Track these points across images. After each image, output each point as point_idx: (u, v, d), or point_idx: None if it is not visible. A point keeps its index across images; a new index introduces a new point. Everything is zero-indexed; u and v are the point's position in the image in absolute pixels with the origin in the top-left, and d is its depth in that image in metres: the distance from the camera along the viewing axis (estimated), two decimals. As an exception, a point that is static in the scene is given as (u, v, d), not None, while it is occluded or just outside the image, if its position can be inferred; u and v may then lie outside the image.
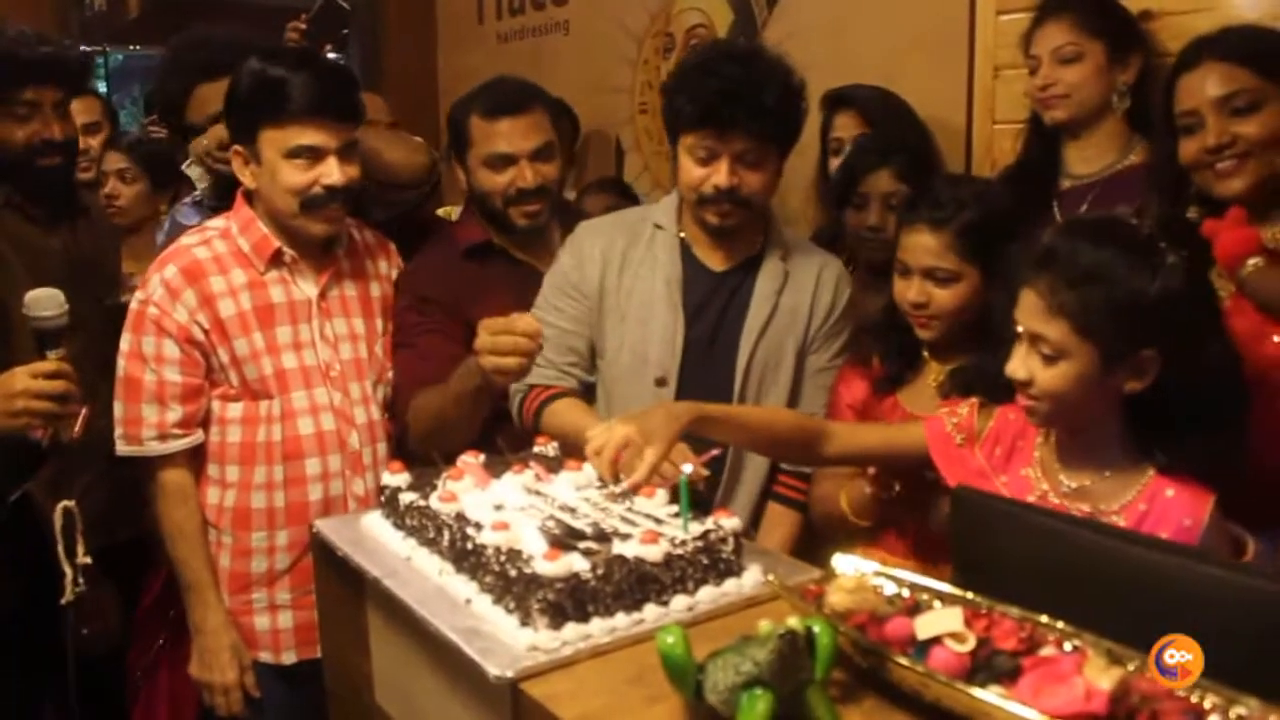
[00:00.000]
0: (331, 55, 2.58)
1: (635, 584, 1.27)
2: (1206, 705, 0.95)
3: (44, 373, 1.81)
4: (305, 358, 2.05)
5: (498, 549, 1.29)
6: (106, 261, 2.47)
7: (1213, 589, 1.11)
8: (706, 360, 1.98)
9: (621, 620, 1.25)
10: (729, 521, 1.37)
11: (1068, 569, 1.22)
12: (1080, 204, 2.07)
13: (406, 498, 1.51)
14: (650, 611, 1.27)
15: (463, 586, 1.33)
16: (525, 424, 1.98)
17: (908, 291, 1.80)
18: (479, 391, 1.87)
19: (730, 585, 1.34)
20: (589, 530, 1.35)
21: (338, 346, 2.09)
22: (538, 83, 2.31)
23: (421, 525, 1.47)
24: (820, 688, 1.04)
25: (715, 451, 1.67)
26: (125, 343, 2.01)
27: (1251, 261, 1.64)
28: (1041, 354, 1.41)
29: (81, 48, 3.11)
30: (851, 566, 1.26)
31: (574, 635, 1.21)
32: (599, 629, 1.23)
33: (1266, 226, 1.70)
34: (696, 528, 1.35)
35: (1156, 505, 1.42)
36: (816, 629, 1.05)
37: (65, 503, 2.00)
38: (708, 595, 1.32)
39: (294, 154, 1.94)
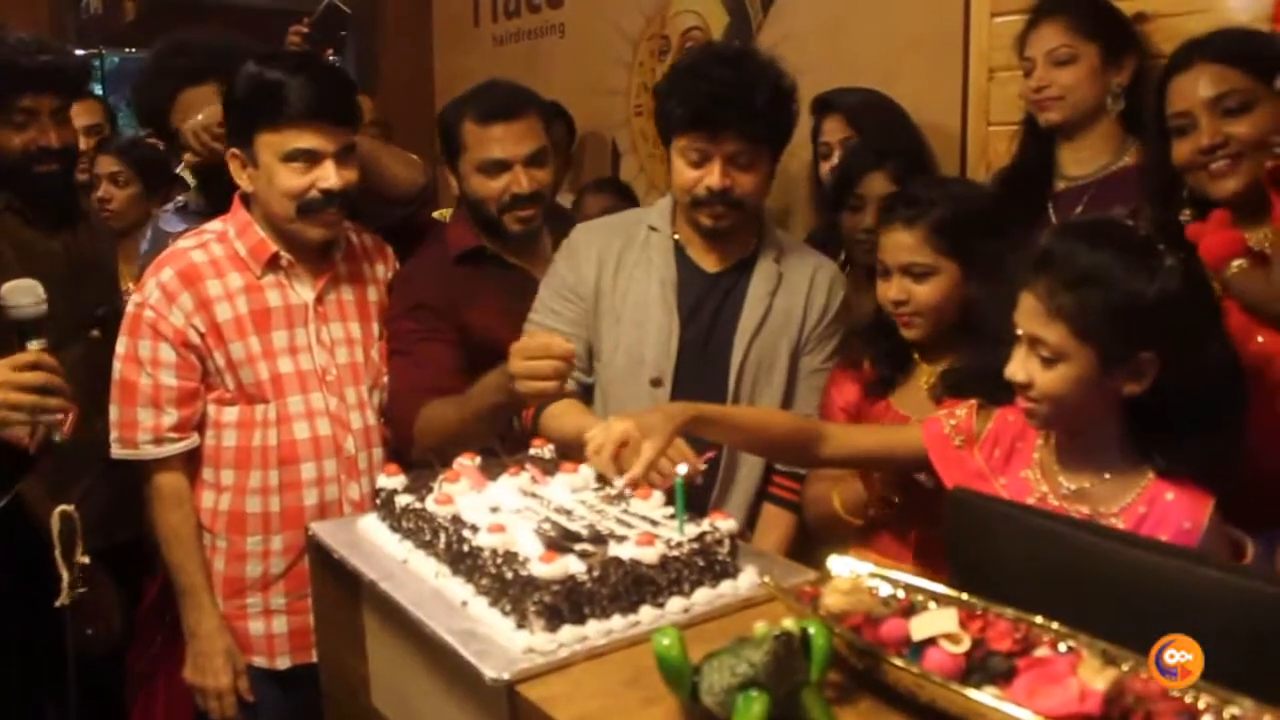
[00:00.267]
0: (331, 58, 2.57)
1: (631, 586, 1.27)
2: (1201, 705, 0.96)
3: (23, 364, 1.78)
4: (301, 362, 2.04)
5: (494, 551, 1.29)
6: (106, 264, 2.46)
7: (1210, 591, 1.11)
8: (701, 361, 1.98)
9: (617, 622, 1.25)
10: (725, 523, 1.37)
11: (1064, 571, 1.23)
12: (1075, 206, 2.07)
13: (403, 500, 1.51)
14: (646, 613, 1.27)
15: (459, 589, 1.33)
16: (525, 426, 1.98)
17: (888, 291, 1.82)
18: (502, 408, 1.88)
19: (726, 587, 1.34)
20: (585, 532, 1.35)
21: (334, 351, 2.08)
22: (533, 85, 2.31)
23: (418, 528, 1.47)
24: (816, 689, 1.04)
25: (711, 453, 1.67)
26: (121, 346, 2.01)
27: (1236, 263, 1.65)
28: (1040, 357, 1.41)
29: (78, 51, 3.11)
30: (847, 568, 1.26)
31: (570, 637, 1.21)
32: (595, 631, 1.23)
33: (1255, 229, 1.70)
34: (692, 529, 1.35)
35: (1156, 508, 1.42)
36: (812, 630, 1.05)
37: (64, 507, 1.99)
38: (703, 597, 1.32)
39: (291, 157, 1.94)
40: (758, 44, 3.06)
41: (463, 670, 1.20)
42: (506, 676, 1.15)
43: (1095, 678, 0.99)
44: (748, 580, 1.35)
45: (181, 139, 2.32)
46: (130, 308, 2.02)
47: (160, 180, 3.01)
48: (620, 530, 1.36)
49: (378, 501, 1.60)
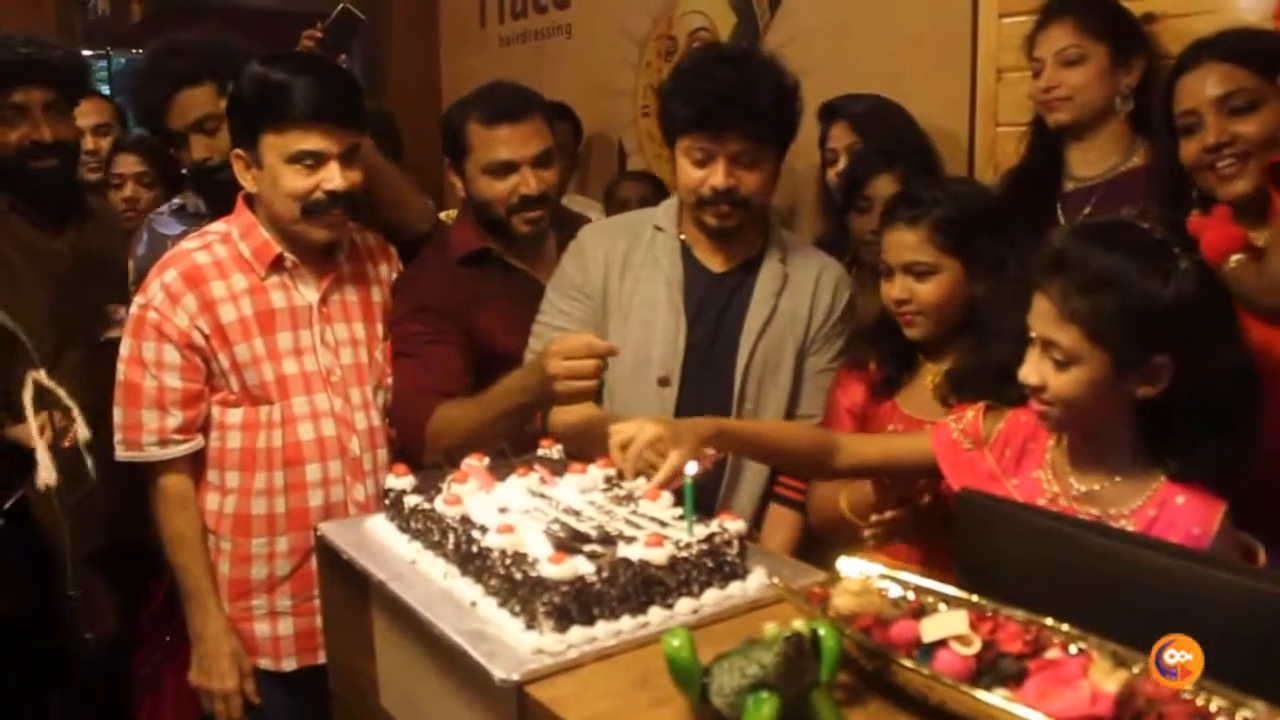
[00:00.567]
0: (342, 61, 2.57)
1: (640, 587, 1.27)
2: (1213, 708, 0.95)
3: None
4: (306, 363, 2.04)
5: (503, 552, 1.29)
6: (116, 264, 2.45)
7: (1220, 592, 1.11)
8: (708, 361, 1.98)
9: (626, 623, 1.25)
10: (733, 524, 1.37)
11: (1074, 572, 1.22)
12: (1084, 207, 2.07)
13: (411, 501, 1.51)
14: (655, 614, 1.27)
15: (468, 589, 1.33)
16: (535, 425, 1.98)
17: (891, 290, 1.82)
18: (525, 409, 1.88)
19: (735, 588, 1.34)
20: (594, 533, 1.35)
21: (338, 352, 2.08)
22: (540, 86, 2.30)
23: (426, 528, 1.47)
24: (825, 690, 1.04)
25: (718, 454, 1.67)
26: (125, 347, 2.00)
27: (1234, 258, 1.65)
28: (1054, 359, 1.40)
29: (84, 51, 3.10)
30: (856, 569, 1.26)
31: (579, 638, 1.21)
32: (604, 632, 1.23)
33: (1260, 229, 1.70)
34: (701, 530, 1.35)
35: (1166, 512, 1.41)
36: (822, 632, 1.05)
37: (35, 374, 1.97)
38: (712, 598, 1.32)
39: (295, 159, 1.93)
40: (765, 45, 3.06)
41: (472, 671, 1.20)
42: (515, 677, 1.15)
43: (1106, 680, 0.98)
44: (757, 581, 1.35)
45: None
46: (134, 309, 2.01)
47: (177, 177, 2.99)
48: (629, 531, 1.36)
49: (386, 502, 1.59)
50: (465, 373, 2.07)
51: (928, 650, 1.09)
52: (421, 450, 2.00)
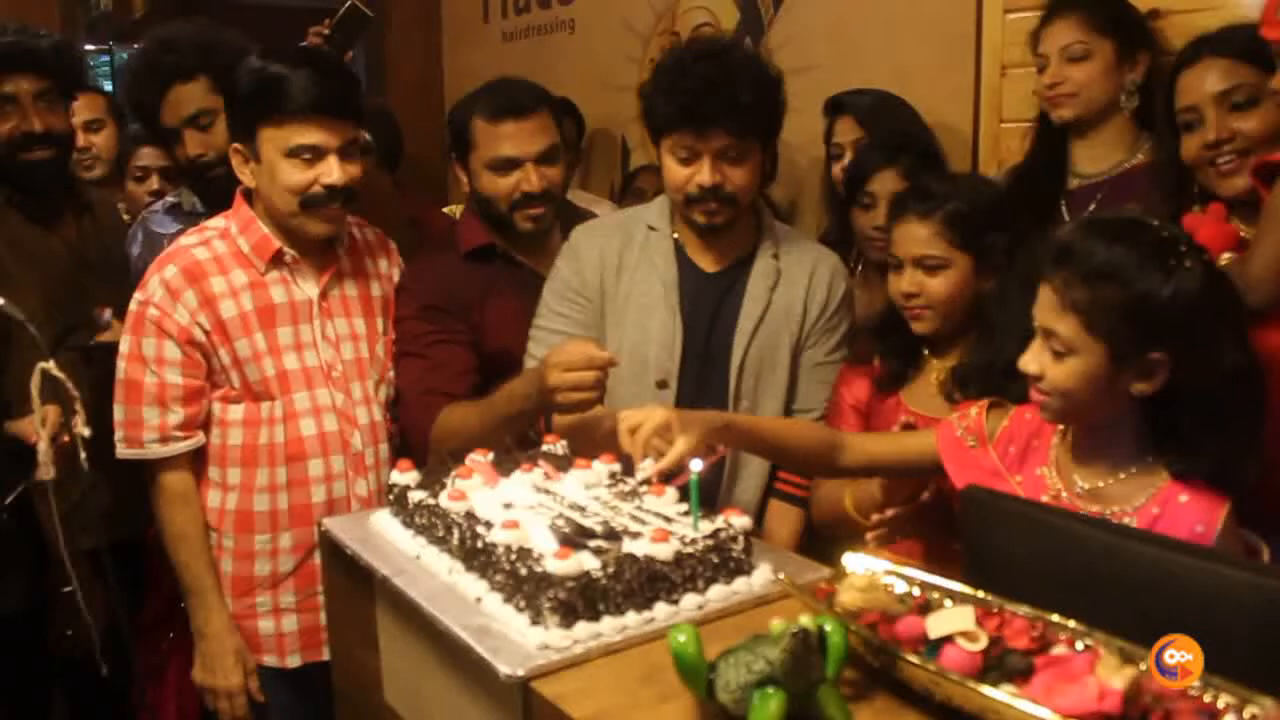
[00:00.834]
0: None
1: (646, 582, 1.27)
2: (1220, 705, 0.95)
3: None
4: (307, 358, 2.04)
5: (508, 547, 1.29)
6: (115, 260, 2.44)
7: (1227, 588, 1.10)
8: (704, 361, 1.98)
9: (632, 619, 1.24)
10: (739, 520, 1.37)
11: (1079, 569, 1.22)
12: (1088, 203, 2.07)
13: (415, 496, 1.51)
14: (661, 610, 1.27)
15: (473, 585, 1.33)
16: (540, 431, 1.98)
17: (900, 283, 1.81)
18: (527, 414, 1.88)
19: (740, 584, 1.34)
20: (599, 529, 1.35)
21: (339, 347, 2.08)
22: (543, 81, 2.30)
23: (431, 524, 1.47)
24: (832, 686, 1.04)
25: (723, 451, 1.67)
26: (125, 344, 2.00)
27: (1226, 256, 1.64)
28: (1053, 350, 1.40)
29: (87, 46, 3.08)
30: (862, 565, 1.26)
31: (585, 634, 1.21)
32: (610, 627, 1.23)
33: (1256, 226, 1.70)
34: (707, 526, 1.35)
35: (1169, 510, 1.40)
36: (828, 628, 1.05)
37: (44, 364, 1.91)
38: (718, 594, 1.31)
39: (293, 153, 1.93)
40: (769, 40, 3.06)
41: (477, 667, 1.20)
42: (521, 673, 1.15)
43: (1114, 676, 0.98)
44: (762, 577, 1.35)
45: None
46: (133, 306, 2.00)
47: None
48: (634, 527, 1.36)
49: (390, 497, 1.59)
50: (472, 371, 2.07)
51: (934, 646, 1.09)
52: (427, 451, 2.00)
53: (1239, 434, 1.39)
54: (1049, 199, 2.11)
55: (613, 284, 2.01)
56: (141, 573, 2.42)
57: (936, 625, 1.11)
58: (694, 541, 1.32)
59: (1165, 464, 1.43)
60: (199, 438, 2.01)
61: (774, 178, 2.76)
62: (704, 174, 1.88)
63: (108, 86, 4.45)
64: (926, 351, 1.88)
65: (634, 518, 1.40)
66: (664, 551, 1.28)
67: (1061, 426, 1.52)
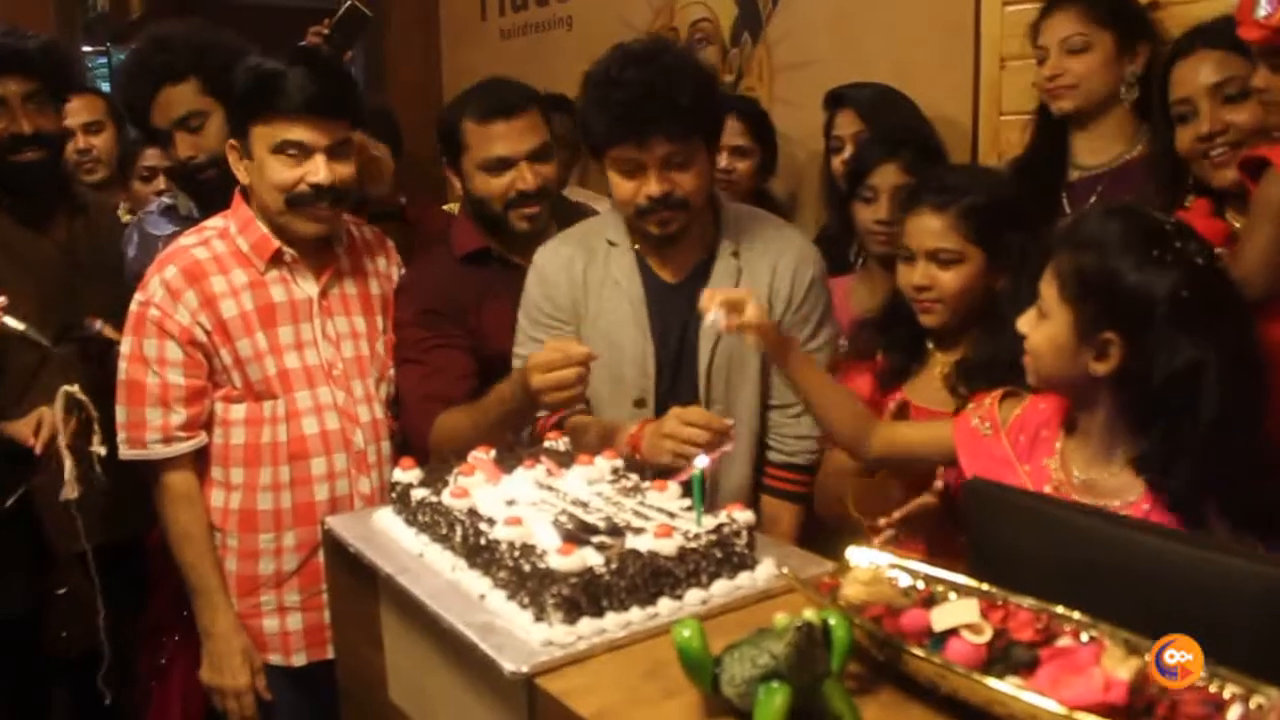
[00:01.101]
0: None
1: (649, 578, 1.27)
2: (1226, 695, 0.95)
3: None
4: (308, 357, 2.04)
5: (511, 544, 1.28)
6: (106, 261, 2.42)
7: (1233, 579, 1.10)
8: (678, 375, 1.95)
9: (636, 614, 1.24)
10: (742, 515, 1.37)
11: (1081, 560, 1.22)
12: (1089, 195, 2.06)
13: (418, 494, 1.51)
14: (664, 605, 1.26)
15: (476, 582, 1.33)
16: (537, 434, 1.97)
17: (912, 276, 1.80)
18: (519, 416, 1.88)
19: (744, 578, 1.33)
20: (602, 524, 1.35)
21: (340, 345, 2.08)
22: (541, 78, 2.29)
23: (434, 521, 1.47)
24: (837, 680, 1.04)
25: (728, 448, 1.67)
26: (126, 345, 2.00)
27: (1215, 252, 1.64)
28: (1039, 310, 1.45)
29: (84, 48, 3.07)
30: (866, 559, 1.25)
31: (589, 630, 1.21)
32: (614, 623, 1.22)
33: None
34: (710, 521, 1.35)
35: (1158, 507, 1.40)
36: (832, 621, 1.04)
37: (68, 388, 2.00)
38: (721, 589, 1.31)
39: (280, 149, 1.93)
40: (767, 35, 3.06)
41: (481, 664, 1.20)
42: (525, 669, 1.15)
43: (1119, 667, 0.98)
44: (766, 572, 1.35)
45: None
46: (134, 306, 2.00)
47: None
48: (637, 522, 1.36)
49: (393, 495, 1.59)
50: (470, 375, 2.05)
51: (939, 639, 1.09)
52: (428, 456, 1.99)
53: (1186, 436, 1.35)
54: (1049, 191, 2.11)
55: (582, 305, 1.98)
56: (144, 574, 2.42)
57: (941, 618, 1.10)
58: (697, 536, 1.32)
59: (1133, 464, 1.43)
60: (201, 438, 2.01)
61: (773, 171, 2.76)
62: (651, 185, 1.82)
63: (106, 88, 4.44)
64: (931, 346, 1.88)
65: (637, 513, 1.40)
66: (667, 547, 1.28)
67: (1066, 417, 1.53)
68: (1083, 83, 2.05)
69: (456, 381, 2.04)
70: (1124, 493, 1.43)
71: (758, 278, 1.97)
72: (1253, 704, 0.93)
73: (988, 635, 1.07)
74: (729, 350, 1.94)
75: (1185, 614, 1.00)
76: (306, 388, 2.02)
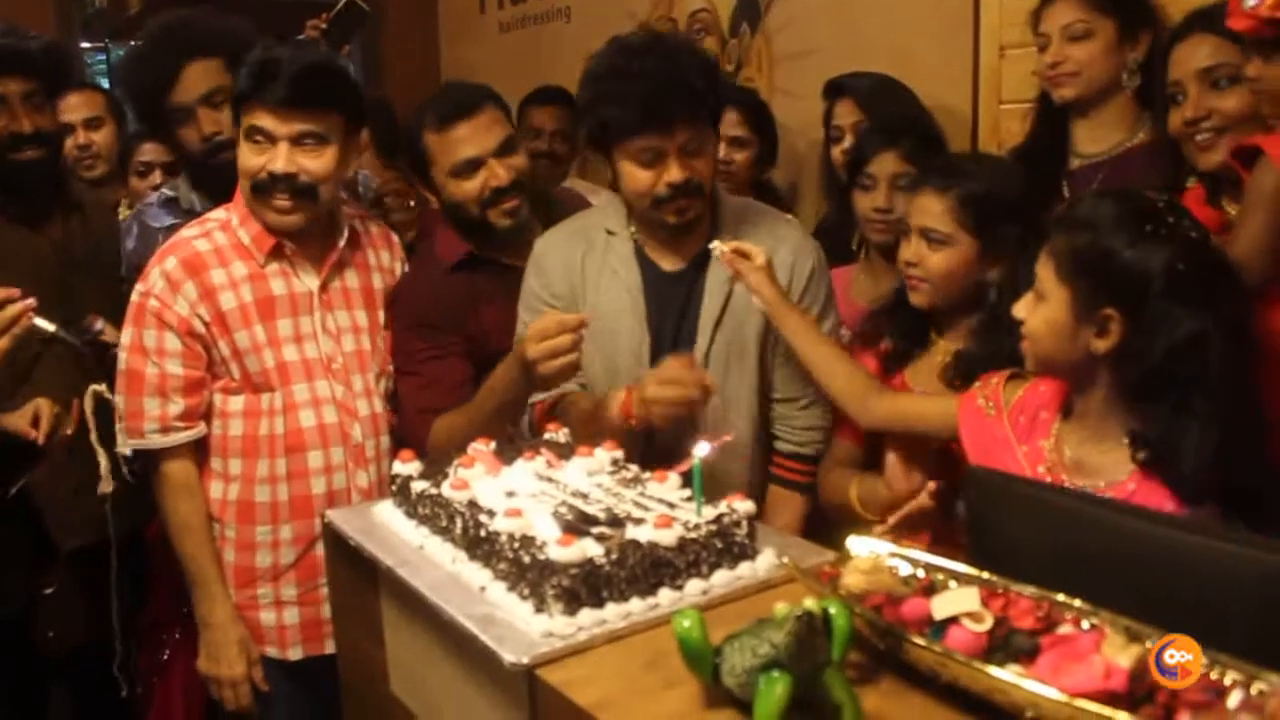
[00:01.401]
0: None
1: (650, 568, 1.26)
2: (1227, 681, 0.95)
3: None
4: (307, 350, 2.04)
5: (511, 536, 1.28)
6: (102, 258, 2.41)
7: (1234, 565, 1.10)
8: None
9: (636, 605, 1.24)
10: (742, 505, 1.36)
11: (1082, 547, 1.21)
12: (1090, 183, 2.05)
13: (418, 486, 1.51)
14: (665, 596, 1.26)
15: (476, 574, 1.32)
16: (536, 421, 1.97)
17: (905, 251, 1.83)
18: (512, 404, 1.88)
19: (744, 568, 1.33)
20: (602, 515, 1.34)
21: (340, 339, 2.08)
22: (540, 71, 2.30)
23: (434, 513, 1.47)
24: (838, 669, 1.03)
25: (728, 437, 1.67)
26: (126, 336, 2.00)
27: None
28: (1036, 293, 1.45)
29: (83, 44, 3.06)
30: (866, 548, 1.25)
31: (589, 621, 1.20)
32: (614, 614, 1.22)
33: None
34: (710, 511, 1.35)
35: (1144, 488, 1.41)
36: (832, 611, 1.04)
37: (96, 386, 2.02)
38: (722, 579, 1.31)
39: (249, 135, 1.95)
40: (767, 25, 3.05)
41: (482, 656, 1.20)
42: (526, 661, 1.15)
43: (1119, 655, 0.98)
44: (766, 562, 1.34)
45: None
46: (134, 297, 2.01)
47: None
48: (637, 513, 1.36)
49: (393, 488, 1.59)
50: (467, 382, 2.04)
51: (939, 628, 1.08)
52: None
53: (1186, 413, 1.37)
54: (1050, 179, 2.10)
55: (580, 295, 1.98)
56: (143, 570, 2.43)
57: (941, 606, 1.10)
58: (697, 527, 1.31)
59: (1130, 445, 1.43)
60: (200, 428, 2.01)
61: (774, 162, 2.76)
62: (673, 172, 1.82)
63: (104, 84, 4.43)
64: (933, 332, 1.88)
65: (637, 504, 1.40)
66: (667, 537, 1.27)
67: (1064, 400, 1.53)
68: (1084, 70, 2.04)
69: (452, 390, 2.03)
70: (1112, 471, 1.44)
71: None
72: (1253, 690, 0.93)
73: (988, 623, 1.07)
74: (728, 342, 1.94)
75: (1184, 600, 1.00)
76: (304, 381, 2.02)
